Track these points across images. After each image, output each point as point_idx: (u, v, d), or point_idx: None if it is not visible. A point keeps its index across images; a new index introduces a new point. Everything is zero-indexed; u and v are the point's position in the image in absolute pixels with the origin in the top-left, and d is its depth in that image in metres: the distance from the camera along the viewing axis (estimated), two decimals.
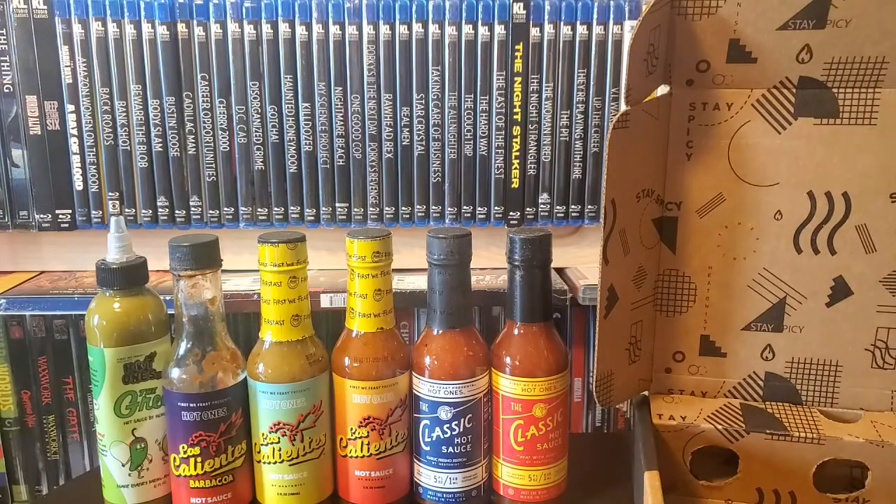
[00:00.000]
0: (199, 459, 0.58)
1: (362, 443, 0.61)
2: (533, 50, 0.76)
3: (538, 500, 0.62)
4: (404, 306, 0.79)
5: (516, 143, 0.78)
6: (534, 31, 0.76)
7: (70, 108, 0.76)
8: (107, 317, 0.59)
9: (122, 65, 0.75)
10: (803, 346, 0.63)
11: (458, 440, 0.61)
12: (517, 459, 0.61)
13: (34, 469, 0.83)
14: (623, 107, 0.56)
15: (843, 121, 0.58)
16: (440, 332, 0.61)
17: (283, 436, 0.59)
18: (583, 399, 0.84)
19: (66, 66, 0.75)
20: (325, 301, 0.74)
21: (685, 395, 0.66)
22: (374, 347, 0.60)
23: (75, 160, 0.77)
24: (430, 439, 0.61)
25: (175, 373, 0.58)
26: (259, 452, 0.61)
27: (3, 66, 0.74)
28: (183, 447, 0.58)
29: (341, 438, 0.62)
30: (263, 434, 0.60)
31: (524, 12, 0.75)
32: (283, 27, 0.75)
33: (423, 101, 0.77)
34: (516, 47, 0.76)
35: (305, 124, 0.77)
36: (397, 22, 0.75)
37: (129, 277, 0.59)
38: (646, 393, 0.67)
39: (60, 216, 0.78)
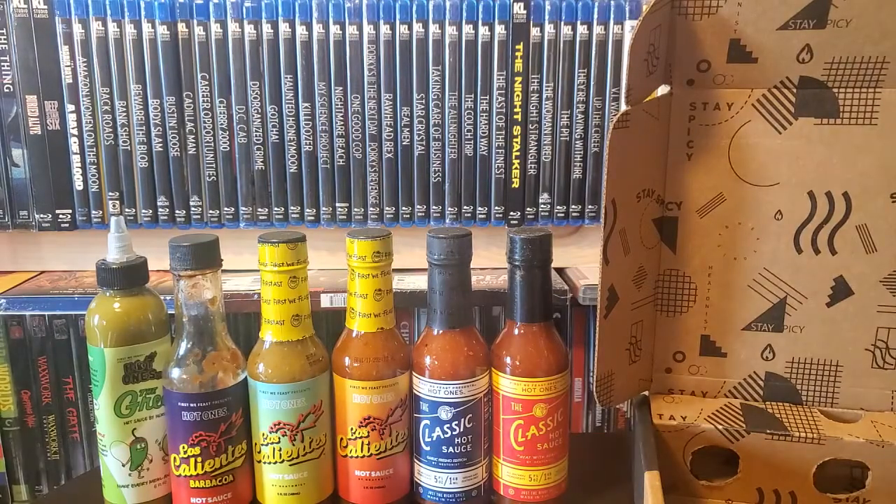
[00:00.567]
0: (199, 459, 0.58)
1: (362, 443, 0.61)
2: (533, 50, 0.76)
3: (538, 500, 0.62)
4: (404, 306, 0.79)
5: (516, 142, 0.78)
6: (534, 31, 0.76)
7: (70, 107, 0.76)
8: (107, 317, 0.59)
9: (122, 64, 0.75)
10: (804, 346, 0.63)
11: (459, 440, 0.61)
12: (517, 459, 0.61)
13: (34, 469, 0.83)
14: (623, 107, 0.56)
15: (844, 121, 0.58)
16: (440, 332, 0.61)
17: (283, 436, 0.59)
18: (583, 399, 0.84)
19: (67, 66, 0.75)
20: (325, 301, 0.74)
21: (685, 395, 0.66)
22: (374, 347, 0.60)
23: (75, 160, 0.77)
24: (430, 439, 0.61)
25: (175, 373, 0.58)
26: (259, 452, 0.61)
27: (4, 66, 0.74)
28: (183, 447, 0.58)
29: (341, 438, 0.62)
30: (264, 434, 0.60)
31: (524, 12, 0.75)
32: (284, 27, 0.75)
33: (424, 101, 0.77)
34: (516, 47, 0.76)
35: (305, 124, 0.77)
36: (398, 22, 0.75)
37: (129, 277, 0.59)
38: (646, 393, 0.67)
39: (60, 216, 0.78)
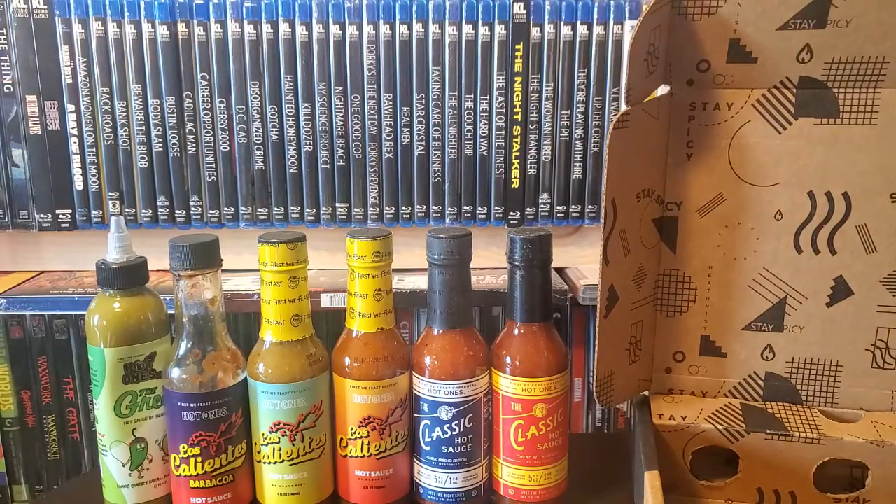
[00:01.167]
0: (199, 459, 0.58)
1: (362, 443, 0.61)
2: (533, 50, 0.76)
3: (538, 500, 0.62)
4: (404, 306, 0.79)
5: (516, 142, 0.78)
6: (534, 31, 0.76)
7: (70, 107, 0.76)
8: (107, 317, 0.59)
9: (122, 64, 0.75)
10: (803, 346, 0.63)
11: (459, 440, 0.61)
12: (517, 459, 0.61)
13: (34, 469, 0.83)
14: (623, 107, 0.56)
15: (844, 121, 0.58)
16: (440, 332, 0.61)
17: (283, 436, 0.59)
18: (583, 399, 0.84)
19: (67, 66, 0.75)
20: (325, 301, 0.74)
21: (685, 395, 0.66)
22: (374, 347, 0.60)
23: (75, 160, 0.77)
24: (430, 439, 0.61)
25: (175, 373, 0.58)
26: (259, 452, 0.61)
27: (4, 66, 0.74)
28: (183, 447, 0.58)
29: (341, 438, 0.62)
30: (264, 434, 0.60)
31: (524, 12, 0.75)
32: (284, 27, 0.75)
33: (424, 101, 0.77)
34: (516, 47, 0.76)
35: (305, 124, 0.77)
36: (397, 22, 0.75)
37: (129, 277, 0.59)
38: (646, 393, 0.67)
39: (60, 216, 0.78)
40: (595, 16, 0.76)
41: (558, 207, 0.80)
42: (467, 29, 0.75)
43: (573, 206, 0.80)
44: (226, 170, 0.78)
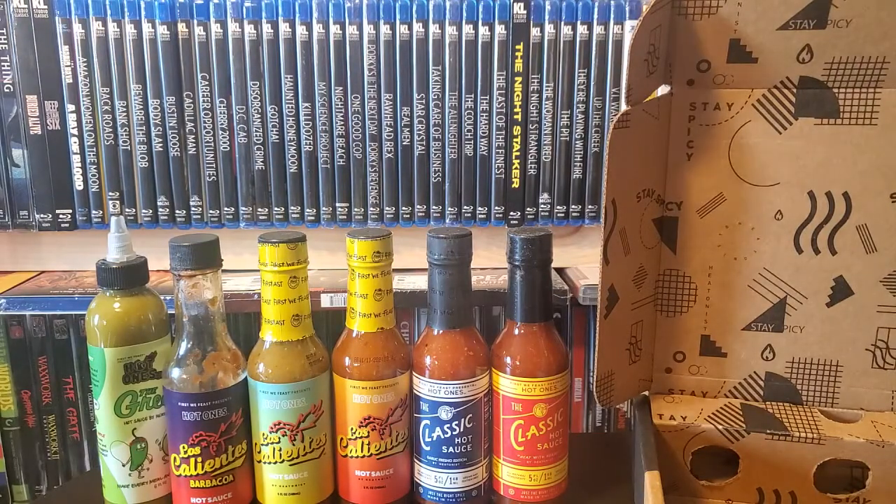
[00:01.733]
0: (199, 459, 0.58)
1: (363, 443, 0.61)
2: (533, 50, 0.76)
3: (538, 500, 0.62)
4: (404, 306, 0.79)
5: (516, 142, 0.78)
6: (534, 31, 0.76)
7: (70, 107, 0.76)
8: (107, 317, 0.59)
9: (122, 64, 0.75)
10: (804, 347, 0.63)
11: (459, 440, 0.61)
12: (517, 459, 0.61)
13: (34, 469, 0.83)
14: (623, 107, 0.56)
15: (844, 121, 0.58)
16: (440, 332, 0.61)
17: (283, 436, 0.59)
18: (583, 399, 0.84)
19: (67, 66, 0.75)
20: (325, 301, 0.74)
21: (686, 395, 0.66)
22: (374, 347, 0.60)
23: (75, 160, 0.77)
24: (430, 439, 0.61)
25: (175, 373, 0.58)
26: (259, 452, 0.61)
27: (4, 66, 0.74)
28: (183, 447, 0.58)
29: (342, 438, 0.62)
30: (264, 434, 0.60)
31: (524, 12, 0.75)
32: (284, 27, 0.75)
33: (424, 101, 0.77)
34: (517, 47, 0.76)
35: (306, 124, 0.77)
36: (398, 22, 0.75)
37: (129, 277, 0.59)
38: (646, 393, 0.67)
39: (60, 216, 0.78)
40: (595, 16, 0.76)
41: (558, 207, 0.80)
42: (467, 29, 0.75)
43: (573, 206, 0.80)
44: (226, 170, 0.78)
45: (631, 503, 0.65)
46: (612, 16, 0.76)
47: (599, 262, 0.57)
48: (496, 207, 0.80)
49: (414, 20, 0.75)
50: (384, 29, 0.75)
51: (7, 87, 0.75)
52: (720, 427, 0.60)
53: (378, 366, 0.60)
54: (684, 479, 0.62)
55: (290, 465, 0.60)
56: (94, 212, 0.78)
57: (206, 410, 0.58)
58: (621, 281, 0.61)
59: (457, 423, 0.60)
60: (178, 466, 0.59)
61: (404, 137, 0.78)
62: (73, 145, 0.77)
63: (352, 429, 0.61)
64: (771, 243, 0.62)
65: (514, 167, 0.79)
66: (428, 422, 0.61)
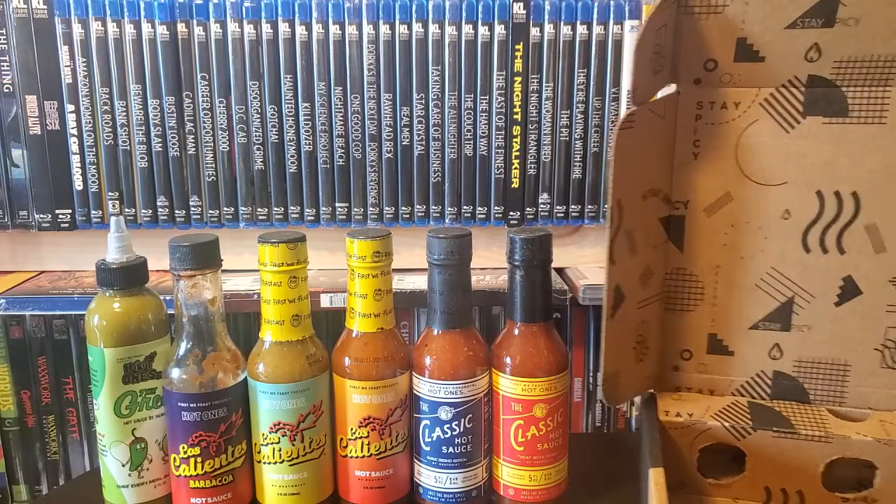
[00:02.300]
0: (199, 459, 0.58)
1: (362, 443, 0.61)
2: (533, 50, 0.76)
3: (538, 501, 0.62)
4: (404, 306, 0.79)
5: (516, 142, 0.78)
6: (534, 31, 0.76)
7: (70, 108, 0.76)
8: (107, 317, 0.59)
9: (121, 65, 0.75)
10: (812, 346, 0.63)
11: (459, 440, 0.61)
12: (517, 459, 0.61)
13: (34, 469, 0.83)
14: (624, 106, 0.56)
15: (853, 120, 0.58)
16: (440, 332, 0.61)
17: (283, 436, 0.59)
18: (583, 399, 0.84)
19: (66, 66, 0.75)
20: (325, 301, 0.74)
21: (693, 393, 0.66)
22: (374, 347, 0.60)
23: (75, 160, 0.77)
24: (430, 439, 0.61)
25: (175, 373, 0.58)
26: (259, 452, 0.61)
27: (3, 66, 0.74)
28: (183, 447, 0.58)
29: (341, 438, 0.62)
30: (263, 434, 0.60)
31: (524, 12, 0.75)
32: (283, 27, 0.75)
33: (423, 101, 0.77)
34: (516, 47, 0.76)
35: (305, 124, 0.77)
36: (397, 22, 0.75)
37: (129, 277, 0.59)
38: (652, 391, 0.67)
39: (60, 216, 0.78)
40: (595, 16, 0.76)
41: (558, 207, 0.80)
42: (467, 29, 0.75)
43: (573, 206, 0.80)
44: (226, 170, 0.78)
45: (631, 503, 0.65)
46: (611, 16, 0.76)
47: (605, 261, 0.57)
48: (496, 207, 0.80)
49: (413, 20, 0.75)
50: (384, 29, 0.75)
51: (7, 88, 0.75)
52: (727, 424, 0.60)
53: (378, 366, 0.60)
54: (691, 477, 0.62)
55: (290, 466, 0.60)
56: (93, 212, 0.78)
57: (205, 411, 0.58)
58: (627, 280, 0.61)
59: (457, 423, 0.60)
60: (178, 466, 0.59)
61: (404, 137, 0.78)
62: (73, 145, 0.77)
63: (351, 429, 0.61)
64: (778, 243, 0.62)
65: (513, 167, 0.79)
66: (428, 422, 0.61)
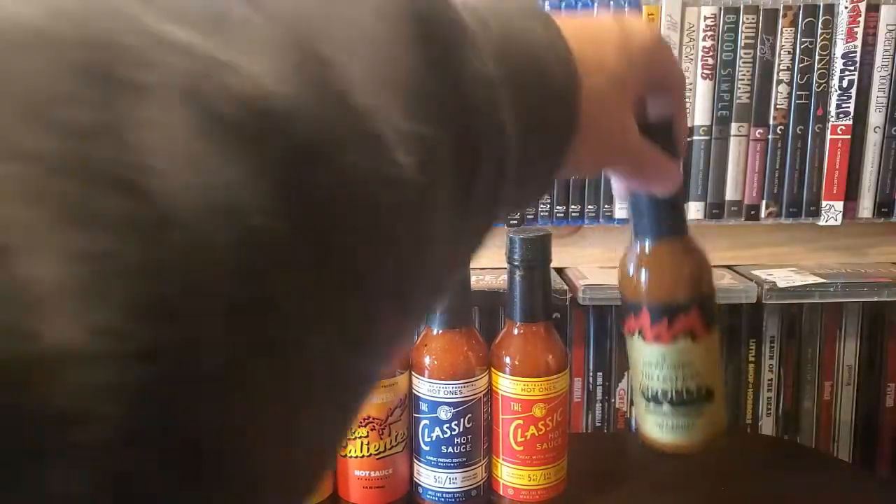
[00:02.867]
0: None
1: (362, 443, 0.61)
2: None
3: (538, 500, 0.62)
4: None
5: None
6: None
7: None
8: None
9: None
10: None
11: (458, 440, 0.61)
12: (517, 459, 0.61)
13: None
14: None
15: None
16: (440, 331, 0.61)
17: None
18: (582, 399, 0.84)
19: None
20: None
21: None
22: None
23: None
24: (429, 439, 0.61)
25: None
26: None
27: None
28: None
29: None
30: None
31: None
32: None
33: None
34: None
35: None
36: None
37: None
38: None
39: None
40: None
41: (558, 207, 0.80)
42: None
43: (573, 206, 0.80)
44: None
45: (631, 503, 0.65)
46: None
47: None
48: None
49: None
50: None
51: None
52: None
53: None
54: None
55: None
56: None
57: None
58: None
59: (456, 422, 0.60)
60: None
61: None
62: None
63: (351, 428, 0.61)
64: None
65: None
66: (427, 422, 0.61)
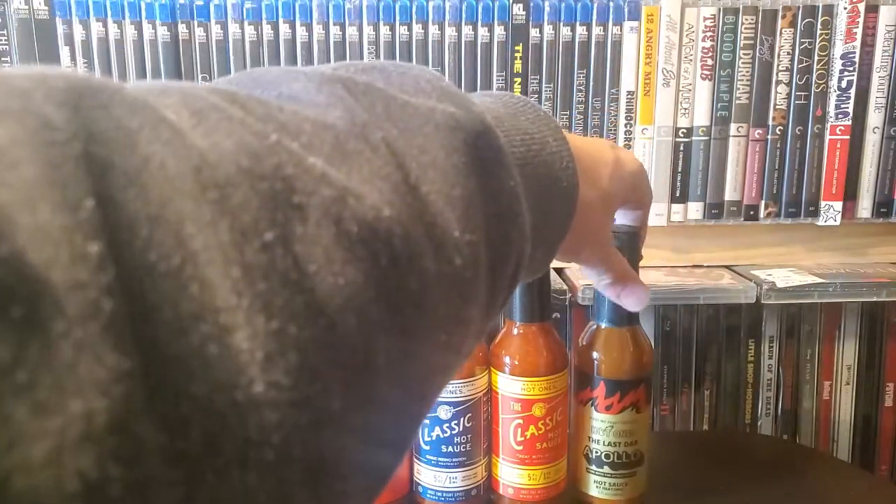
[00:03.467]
0: None
1: None
2: (533, 51, 0.76)
3: (537, 500, 0.62)
4: None
5: None
6: (533, 32, 0.76)
7: None
8: None
9: (122, 66, 0.75)
10: None
11: (458, 439, 0.61)
12: (516, 459, 0.61)
13: None
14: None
15: None
16: None
17: None
18: None
19: (67, 67, 0.75)
20: None
21: None
22: None
23: None
24: (429, 438, 0.61)
25: None
26: None
27: (4, 67, 0.75)
28: None
29: None
30: None
31: (524, 13, 0.75)
32: (284, 28, 0.75)
33: None
34: (516, 48, 0.76)
35: None
36: (397, 23, 0.75)
37: None
38: None
39: None
40: (594, 17, 0.76)
41: None
42: (467, 30, 0.76)
43: None
44: None
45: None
46: (611, 17, 0.76)
47: None
48: None
49: (413, 21, 0.75)
50: (384, 30, 0.75)
51: None
52: None
53: None
54: None
55: None
56: None
57: None
58: None
59: (456, 422, 0.60)
60: None
61: None
62: None
63: None
64: None
65: None
66: (427, 421, 0.61)
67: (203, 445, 0.16)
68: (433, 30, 0.76)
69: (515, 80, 0.77)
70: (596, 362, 0.60)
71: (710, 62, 0.76)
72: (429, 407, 0.25)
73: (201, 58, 0.76)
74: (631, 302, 0.43)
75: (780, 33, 0.76)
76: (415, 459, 0.63)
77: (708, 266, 0.84)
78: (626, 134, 0.78)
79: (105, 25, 0.74)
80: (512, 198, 0.26)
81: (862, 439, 0.87)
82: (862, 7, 0.74)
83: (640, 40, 0.76)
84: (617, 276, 0.42)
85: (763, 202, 0.79)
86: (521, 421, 0.60)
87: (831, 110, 0.77)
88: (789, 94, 0.77)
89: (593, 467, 0.62)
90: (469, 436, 0.61)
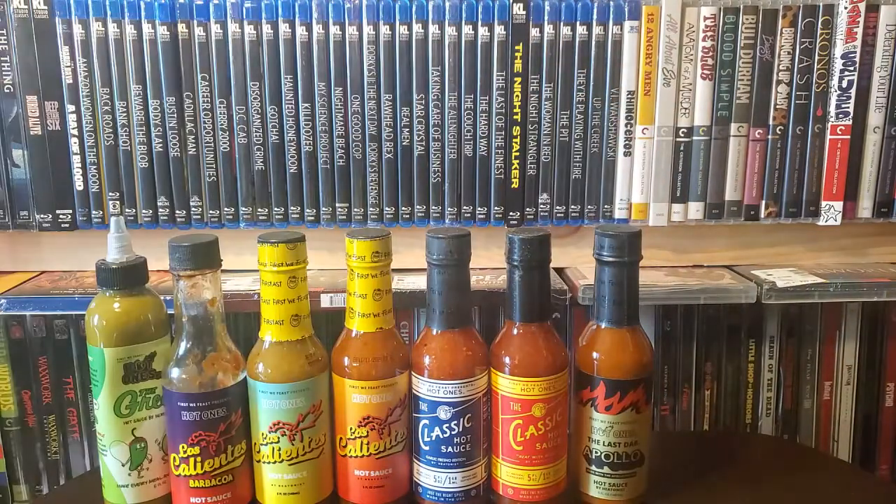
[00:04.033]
0: (198, 459, 0.58)
1: (362, 442, 0.61)
2: (533, 50, 0.76)
3: (537, 500, 0.62)
4: (404, 306, 0.79)
5: (516, 143, 0.78)
6: (533, 32, 0.76)
7: (70, 108, 0.76)
8: (107, 317, 0.59)
9: (122, 65, 0.75)
10: None
11: (458, 440, 0.61)
12: (516, 459, 0.61)
13: (34, 469, 0.83)
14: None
15: None
16: (439, 331, 0.61)
17: (282, 435, 0.59)
18: None
19: (67, 67, 0.75)
20: (325, 301, 0.74)
21: None
22: (373, 347, 0.60)
23: (76, 160, 0.77)
24: (429, 439, 0.61)
25: (175, 373, 0.58)
26: (259, 452, 0.61)
27: (4, 67, 0.75)
28: (182, 447, 0.58)
29: (341, 438, 0.62)
30: (263, 434, 0.60)
31: (524, 13, 0.75)
32: (284, 27, 0.75)
33: (423, 102, 0.77)
34: (516, 48, 0.76)
35: (305, 124, 0.77)
36: (397, 22, 0.75)
37: (129, 277, 0.60)
38: None
39: (61, 216, 0.78)
40: (594, 16, 0.76)
41: (558, 207, 0.80)
42: (467, 29, 0.76)
43: (572, 207, 0.80)
44: (226, 170, 0.78)
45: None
46: (611, 16, 0.76)
47: None
48: (495, 207, 0.80)
49: (413, 21, 0.75)
50: (384, 29, 0.75)
51: (7, 88, 0.75)
52: None
53: (377, 366, 0.60)
54: None
55: (290, 465, 0.60)
56: (94, 212, 0.78)
57: (205, 410, 0.58)
58: None
59: (456, 422, 0.60)
60: (178, 466, 0.59)
61: (404, 138, 0.78)
62: (74, 146, 0.77)
63: (351, 428, 0.61)
64: None
65: (513, 167, 0.79)
66: (427, 421, 0.61)
67: None
68: (433, 29, 0.75)
69: (515, 79, 0.77)
70: (596, 362, 0.60)
71: (710, 62, 0.76)
72: None
73: (201, 57, 0.75)
74: None
75: (781, 33, 0.76)
76: (415, 460, 0.63)
77: (708, 266, 0.84)
78: (626, 134, 0.78)
79: (104, 25, 0.74)
80: None
81: (862, 439, 0.87)
82: (862, 7, 0.74)
83: (641, 40, 0.76)
84: None
85: (763, 202, 0.79)
86: (520, 421, 0.60)
87: (832, 110, 0.77)
88: (790, 94, 0.77)
89: (593, 467, 0.62)
90: (469, 436, 0.61)
